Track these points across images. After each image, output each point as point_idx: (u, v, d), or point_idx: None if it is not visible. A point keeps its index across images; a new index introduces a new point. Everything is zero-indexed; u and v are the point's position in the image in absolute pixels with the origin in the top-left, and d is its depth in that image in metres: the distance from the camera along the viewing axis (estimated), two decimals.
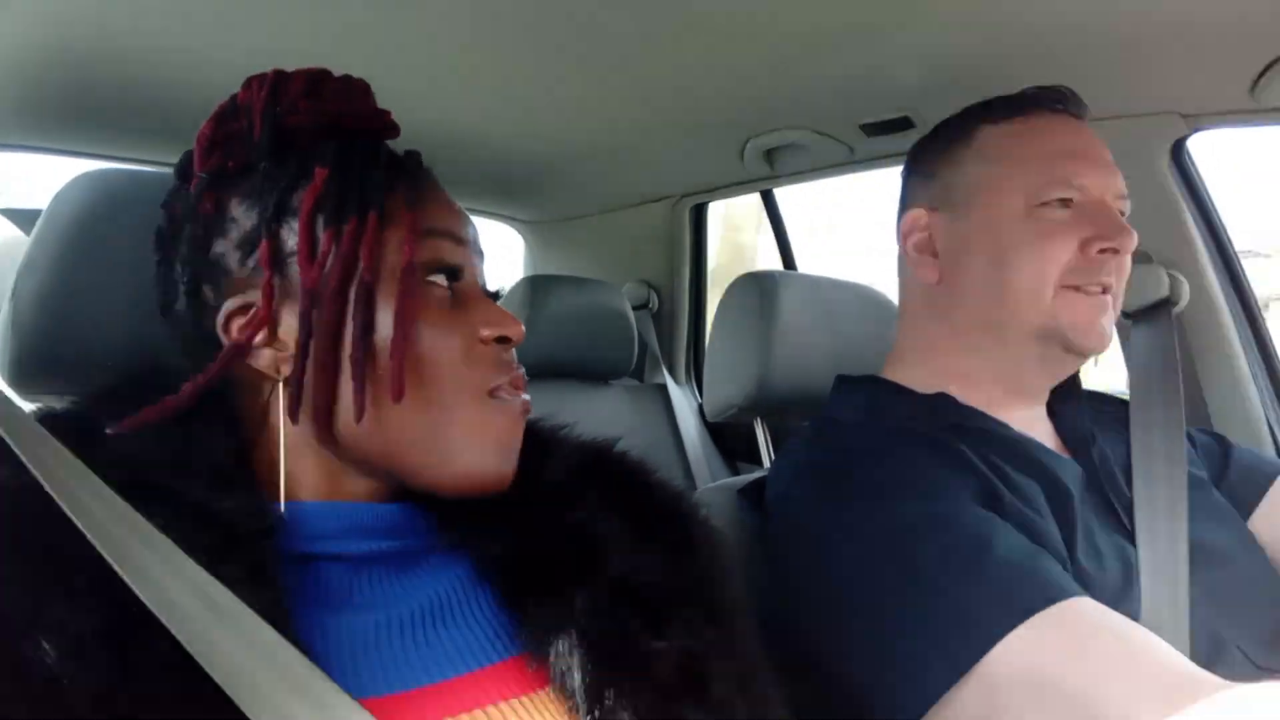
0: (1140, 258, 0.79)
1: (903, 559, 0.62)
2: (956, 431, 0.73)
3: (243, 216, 0.52)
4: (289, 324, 0.50)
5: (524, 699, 0.47)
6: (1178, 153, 1.11)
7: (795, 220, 1.75)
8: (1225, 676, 0.51)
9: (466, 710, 0.45)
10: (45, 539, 0.40)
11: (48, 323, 0.57)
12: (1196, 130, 1.08)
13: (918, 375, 0.81)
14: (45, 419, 0.46)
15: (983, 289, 0.77)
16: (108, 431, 0.46)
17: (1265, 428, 1.11)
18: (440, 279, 0.53)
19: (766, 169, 1.45)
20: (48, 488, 0.41)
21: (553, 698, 0.47)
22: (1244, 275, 1.15)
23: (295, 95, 0.53)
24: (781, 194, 1.73)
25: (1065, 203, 0.75)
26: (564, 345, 1.52)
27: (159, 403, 0.48)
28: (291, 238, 0.50)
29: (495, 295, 0.58)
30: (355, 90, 0.56)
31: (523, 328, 0.54)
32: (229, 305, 0.51)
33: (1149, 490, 0.75)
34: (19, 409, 0.45)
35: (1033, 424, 0.80)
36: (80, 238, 0.58)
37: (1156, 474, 0.76)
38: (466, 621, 0.50)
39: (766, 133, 1.33)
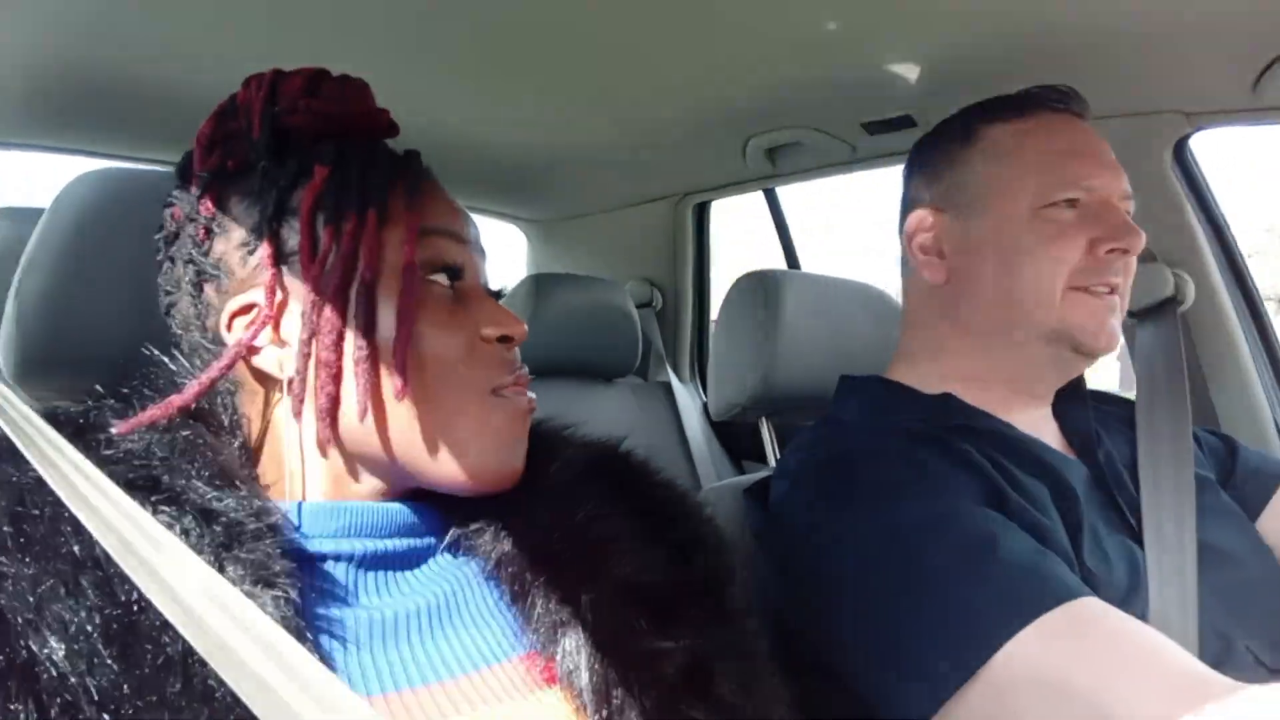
0: (1144, 257, 0.78)
1: (909, 560, 0.61)
2: (962, 432, 0.72)
3: (243, 216, 0.52)
4: (292, 323, 0.50)
5: (531, 697, 0.47)
6: (1180, 151, 1.10)
7: (792, 221, 1.75)
8: (1234, 677, 0.51)
9: (473, 708, 0.45)
10: (51, 537, 0.40)
11: (51, 321, 0.57)
12: (1199, 129, 1.08)
13: (923, 375, 0.81)
14: (51, 417, 0.46)
15: (991, 291, 0.77)
16: (113, 430, 0.46)
17: (1272, 428, 1.11)
18: (441, 278, 0.53)
19: (769, 167, 1.45)
20: (54, 486, 0.41)
21: (560, 696, 0.47)
22: (1248, 273, 1.15)
23: (294, 94, 0.53)
24: (779, 194, 1.73)
25: (1072, 203, 0.75)
26: (567, 344, 1.51)
27: (164, 402, 0.48)
28: (292, 237, 0.51)
29: (498, 294, 0.58)
30: (354, 89, 0.56)
31: (525, 327, 0.54)
32: (232, 305, 0.51)
33: (1156, 491, 0.74)
34: (24, 407, 0.45)
35: (1038, 425, 0.79)
36: (82, 237, 0.58)
37: (1163, 475, 0.75)
38: (474, 620, 0.50)
39: (769, 131, 1.33)
